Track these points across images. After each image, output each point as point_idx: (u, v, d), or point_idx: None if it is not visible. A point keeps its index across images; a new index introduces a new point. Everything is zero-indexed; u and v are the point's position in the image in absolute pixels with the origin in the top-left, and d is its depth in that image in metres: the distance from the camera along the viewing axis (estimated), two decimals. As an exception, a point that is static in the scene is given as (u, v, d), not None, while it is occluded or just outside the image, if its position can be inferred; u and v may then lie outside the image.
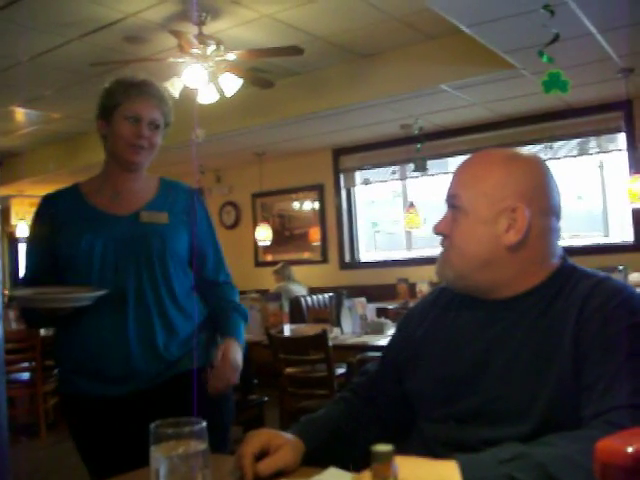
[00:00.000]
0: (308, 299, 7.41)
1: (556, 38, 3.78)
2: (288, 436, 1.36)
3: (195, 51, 4.97)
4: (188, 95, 5.28)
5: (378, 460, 0.84)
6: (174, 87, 5.19)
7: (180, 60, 5.13)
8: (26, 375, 5.81)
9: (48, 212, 2.26)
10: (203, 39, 4.99)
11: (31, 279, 2.22)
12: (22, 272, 2.33)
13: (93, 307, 2.02)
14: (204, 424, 1.03)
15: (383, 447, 0.84)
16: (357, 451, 1.45)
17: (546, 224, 1.36)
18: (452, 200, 1.39)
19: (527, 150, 1.48)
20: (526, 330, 1.30)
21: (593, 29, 4.63)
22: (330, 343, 4.16)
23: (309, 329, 4.91)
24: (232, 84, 5.15)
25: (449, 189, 1.42)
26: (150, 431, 1.01)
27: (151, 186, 2.27)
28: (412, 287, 6.84)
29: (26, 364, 5.75)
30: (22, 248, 12.08)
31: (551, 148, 7.20)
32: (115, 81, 2.24)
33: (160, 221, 2.17)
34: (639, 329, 1.21)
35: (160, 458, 0.99)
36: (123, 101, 2.16)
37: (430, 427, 1.37)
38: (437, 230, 1.42)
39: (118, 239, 2.11)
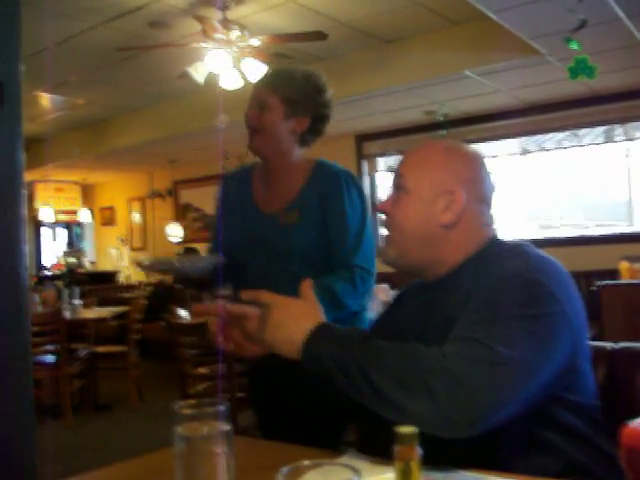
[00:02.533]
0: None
1: (583, 24, 3.74)
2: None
3: (219, 36, 4.97)
4: (212, 81, 5.29)
5: (402, 442, 0.84)
6: (198, 72, 5.19)
7: (204, 45, 5.14)
8: (51, 357, 5.87)
9: (220, 192, 2.36)
10: (227, 24, 4.98)
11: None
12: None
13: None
14: (227, 405, 1.04)
15: (407, 429, 0.85)
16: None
17: (478, 210, 1.46)
18: (398, 180, 1.49)
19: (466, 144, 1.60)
20: (447, 308, 1.37)
21: (621, 14, 4.57)
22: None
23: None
24: (256, 69, 5.15)
25: (396, 169, 1.52)
26: (173, 411, 1.01)
27: (298, 179, 2.22)
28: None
29: (51, 347, 5.81)
30: (45, 232, 12.21)
31: (576, 135, 7.13)
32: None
33: (292, 222, 2.16)
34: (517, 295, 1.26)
35: (183, 439, 1.00)
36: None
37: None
38: (380, 208, 1.52)
39: (255, 237, 2.18)
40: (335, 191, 2.18)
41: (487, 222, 1.48)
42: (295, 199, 2.19)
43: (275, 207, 2.20)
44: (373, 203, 8.64)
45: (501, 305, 1.24)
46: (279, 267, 2.15)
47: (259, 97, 2.18)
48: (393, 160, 8.42)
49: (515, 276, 1.29)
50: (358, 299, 2.20)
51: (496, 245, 1.46)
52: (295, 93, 2.18)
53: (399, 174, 1.50)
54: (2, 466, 1.86)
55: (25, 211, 2.26)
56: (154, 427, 5.46)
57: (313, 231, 2.15)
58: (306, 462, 0.85)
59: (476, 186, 1.47)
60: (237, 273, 2.17)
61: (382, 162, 8.59)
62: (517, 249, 1.39)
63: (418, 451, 0.85)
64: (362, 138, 8.56)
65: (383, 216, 1.51)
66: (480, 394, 1.13)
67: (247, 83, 5.46)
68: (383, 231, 1.53)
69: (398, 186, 1.49)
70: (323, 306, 1.82)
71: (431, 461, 0.95)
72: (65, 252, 12.03)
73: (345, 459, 1.25)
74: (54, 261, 12.04)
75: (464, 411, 1.12)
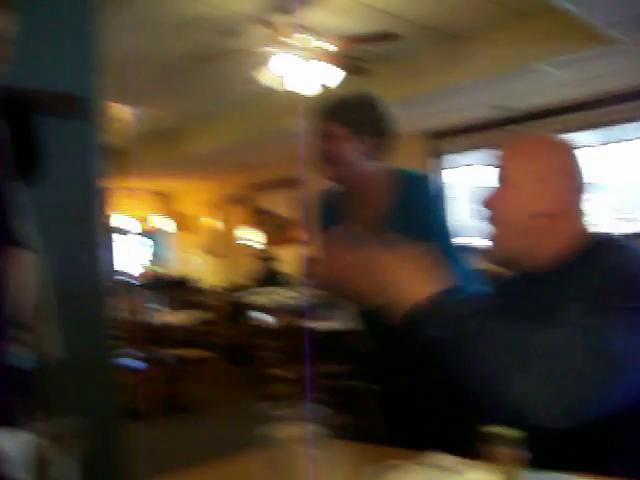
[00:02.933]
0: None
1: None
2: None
3: (289, 41, 5.00)
4: (284, 85, 5.34)
5: (504, 444, 0.83)
6: (269, 77, 5.25)
7: (274, 51, 5.18)
8: (139, 362, 6.02)
9: (320, 209, 2.45)
10: (297, 29, 5.02)
11: None
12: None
13: None
14: (318, 407, 1.04)
15: (510, 432, 0.83)
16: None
17: (576, 200, 1.48)
18: (500, 172, 1.51)
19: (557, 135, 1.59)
20: (556, 297, 1.34)
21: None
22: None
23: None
24: (329, 73, 5.16)
25: (496, 163, 1.54)
26: (263, 413, 1.03)
27: (382, 197, 2.24)
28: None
29: (138, 352, 5.95)
30: (127, 240, 12.51)
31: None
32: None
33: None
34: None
35: (273, 440, 1.01)
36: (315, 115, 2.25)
37: None
38: (484, 204, 1.52)
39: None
40: (426, 202, 2.23)
41: (584, 213, 1.49)
42: (385, 221, 2.19)
43: (362, 226, 2.20)
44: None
45: (610, 297, 1.24)
46: None
47: (323, 129, 2.22)
48: (467, 157, 8.33)
49: (622, 268, 1.30)
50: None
51: (595, 237, 1.45)
52: (353, 115, 2.25)
53: (501, 166, 1.52)
54: (96, 467, 1.92)
55: (108, 220, 2.33)
56: (239, 429, 5.53)
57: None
58: (392, 462, 0.85)
59: (573, 176, 1.48)
60: None
61: (454, 159, 8.49)
62: (618, 241, 1.41)
63: (522, 454, 0.83)
64: (434, 136, 8.49)
65: (484, 211, 1.52)
66: (587, 383, 1.12)
67: (319, 86, 5.50)
68: (484, 227, 1.53)
69: (499, 179, 1.51)
70: None
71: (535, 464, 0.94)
72: (147, 260, 12.31)
73: (431, 458, 1.24)
74: (137, 269, 12.33)
75: (568, 398, 1.11)
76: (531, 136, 1.59)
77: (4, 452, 1.02)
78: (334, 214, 2.34)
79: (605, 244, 1.40)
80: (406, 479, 1.03)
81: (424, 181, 2.30)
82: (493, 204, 1.50)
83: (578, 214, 1.48)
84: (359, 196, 2.27)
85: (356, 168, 2.24)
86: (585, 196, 1.50)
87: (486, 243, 1.52)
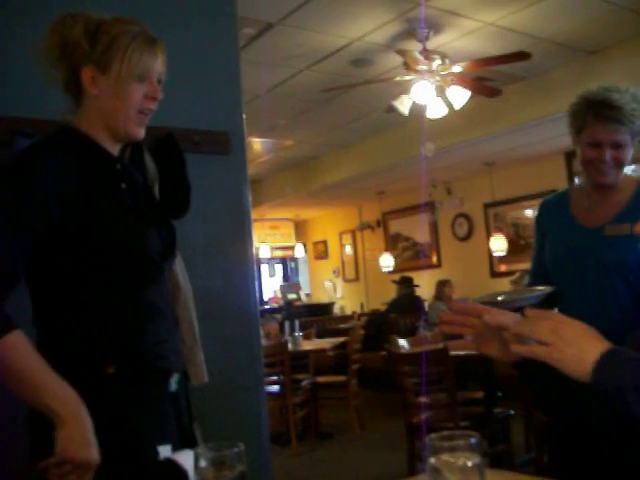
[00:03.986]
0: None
1: None
2: None
3: (421, 67, 5.03)
4: (416, 111, 5.36)
5: None
6: (403, 105, 5.29)
7: (407, 78, 5.23)
8: (276, 388, 6.14)
9: (539, 218, 2.45)
10: (428, 54, 5.05)
11: (533, 275, 2.43)
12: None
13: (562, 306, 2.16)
14: (476, 437, 1.03)
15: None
16: None
17: None
18: None
19: None
20: None
21: None
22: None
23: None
24: (460, 96, 5.16)
25: None
26: (426, 442, 1.03)
27: (625, 194, 2.26)
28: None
29: (276, 377, 6.08)
30: (264, 269, 12.84)
31: None
32: (578, 98, 2.33)
33: (623, 233, 2.16)
34: None
35: (434, 469, 1.01)
36: (584, 127, 2.23)
37: None
38: None
39: (581, 250, 2.20)
40: None
41: None
42: (623, 211, 2.20)
43: (600, 220, 2.22)
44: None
45: None
46: (610, 282, 2.15)
47: (611, 139, 2.18)
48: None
49: None
50: None
51: None
52: (637, 119, 2.19)
53: None
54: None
55: (254, 251, 2.42)
56: (376, 456, 5.53)
57: None
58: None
59: None
60: (564, 298, 2.19)
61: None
62: None
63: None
64: (571, 155, 8.24)
65: None
66: None
67: (450, 111, 5.48)
68: None
69: None
70: None
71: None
72: (282, 286, 12.57)
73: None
74: (272, 295, 12.62)
75: None
76: None
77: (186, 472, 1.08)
78: (552, 217, 2.37)
79: None
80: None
81: None
82: None
83: None
84: (603, 193, 2.26)
85: (621, 173, 2.23)
86: None
87: None
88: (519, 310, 2.09)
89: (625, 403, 1.15)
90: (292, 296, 11.98)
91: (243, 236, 2.36)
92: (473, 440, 1.02)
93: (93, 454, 1.38)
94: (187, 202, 1.81)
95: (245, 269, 2.34)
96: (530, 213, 8.87)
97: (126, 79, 1.55)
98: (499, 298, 2.12)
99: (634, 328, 1.59)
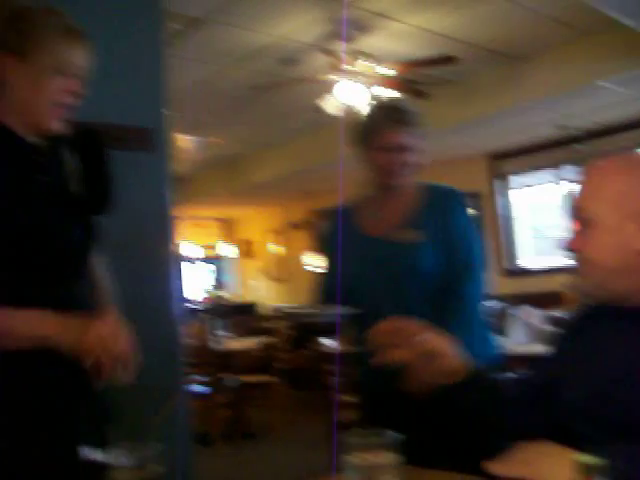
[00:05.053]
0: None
1: None
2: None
3: (348, 68, 5.06)
4: (345, 111, 5.38)
5: (584, 472, 0.83)
6: (329, 105, 5.30)
7: (333, 78, 5.24)
8: (201, 388, 6.09)
9: (323, 232, 2.50)
10: (355, 55, 5.07)
11: (325, 292, 2.41)
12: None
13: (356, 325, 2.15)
14: (395, 436, 1.05)
15: (588, 459, 0.83)
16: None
17: None
18: (578, 213, 1.39)
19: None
20: None
21: None
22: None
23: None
24: (386, 96, 5.20)
25: (574, 202, 1.41)
26: (344, 440, 1.04)
27: (412, 200, 2.31)
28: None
29: (200, 377, 6.03)
30: (189, 269, 12.69)
31: None
32: (369, 110, 2.39)
33: (410, 239, 2.22)
34: None
35: (352, 467, 1.02)
36: (374, 132, 2.27)
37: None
38: (568, 247, 1.41)
39: (371, 260, 2.23)
40: (457, 211, 2.29)
41: None
42: (411, 217, 2.26)
43: (385, 228, 2.27)
44: (509, 223, 8.49)
45: None
46: (405, 288, 2.19)
47: (401, 141, 2.24)
48: (527, 178, 8.24)
49: None
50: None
51: None
52: (422, 128, 2.30)
53: (577, 207, 1.39)
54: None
55: (177, 248, 2.38)
56: (301, 455, 5.53)
57: (435, 249, 2.21)
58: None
59: None
60: (362, 314, 2.15)
61: (516, 180, 8.41)
62: None
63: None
64: (495, 157, 8.43)
65: (571, 254, 1.42)
66: None
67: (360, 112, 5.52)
68: (571, 263, 1.43)
69: (580, 218, 1.39)
70: None
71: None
72: (208, 286, 12.46)
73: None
74: (198, 295, 12.50)
75: None
76: (603, 165, 1.41)
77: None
78: (342, 228, 2.35)
79: None
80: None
81: (458, 194, 2.34)
82: (577, 246, 1.39)
83: None
84: (389, 199, 2.31)
85: (412, 176, 2.30)
86: None
87: (577, 280, 1.42)
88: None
89: None
90: (219, 295, 11.89)
91: (165, 235, 2.32)
92: (389, 438, 1.03)
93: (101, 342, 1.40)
94: (110, 198, 1.77)
95: (166, 268, 2.31)
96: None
97: (44, 71, 1.50)
98: (306, 311, 2.15)
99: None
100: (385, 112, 2.29)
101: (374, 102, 2.44)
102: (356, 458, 1.03)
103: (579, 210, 1.38)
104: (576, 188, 1.43)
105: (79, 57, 1.55)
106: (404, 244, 2.21)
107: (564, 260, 1.46)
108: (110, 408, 1.70)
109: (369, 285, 2.21)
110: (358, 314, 2.11)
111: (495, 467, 1.25)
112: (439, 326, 2.04)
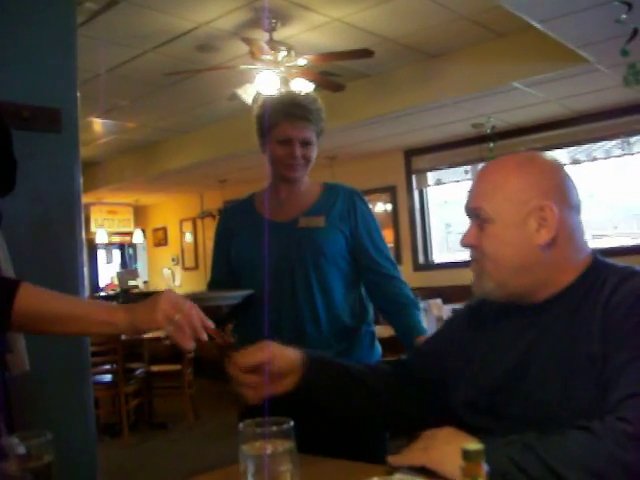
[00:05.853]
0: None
1: (635, 33, 3.70)
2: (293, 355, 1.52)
3: (266, 57, 5.03)
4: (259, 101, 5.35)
5: (469, 459, 0.85)
6: (246, 94, 5.27)
7: (252, 67, 5.21)
8: (108, 377, 5.98)
9: (224, 223, 2.50)
10: (274, 45, 5.05)
11: (213, 282, 2.46)
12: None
13: (257, 306, 2.20)
14: (291, 424, 1.05)
15: (474, 446, 0.85)
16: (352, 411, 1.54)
17: (573, 220, 1.37)
18: (475, 212, 1.40)
19: (540, 153, 1.47)
20: (559, 332, 1.31)
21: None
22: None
23: (383, 330, 4.91)
24: (304, 89, 5.20)
25: (469, 202, 1.43)
26: (238, 430, 1.03)
27: (313, 192, 2.40)
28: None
29: (108, 366, 5.91)
30: (101, 254, 12.43)
31: (627, 144, 7.00)
32: (264, 103, 2.42)
33: (316, 225, 2.29)
34: None
35: (248, 457, 1.02)
36: (274, 125, 2.31)
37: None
38: (464, 243, 1.43)
39: (277, 245, 2.24)
40: (358, 203, 2.38)
41: (582, 232, 1.40)
42: (315, 205, 2.35)
43: (292, 214, 2.33)
44: (424, 218, 8.63)
45: (624, 325, 1.20)
46: (305, 273, 2.25)
47: (301, 135, 2.30)
48: (442, 174, 8.39)
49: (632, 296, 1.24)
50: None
51: (599, 261, 1.39)
52: (321, 121, 2.38)
53: (473, 207, 1.41)
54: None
55: (83, 234, 2.32)
56: (210, 445, 5.51)
57: (342, 233, 2.30)
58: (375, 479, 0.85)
59: (563, 195, 1.37)
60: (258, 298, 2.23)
61: (431, 176, 8.56)
62: (628, 268, 1.33)
63: (485, 468, 0.85)
64: (411, 153, 8.55)
65: (471, 250, 1.44)
66: None
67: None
68: (470, 263, 1.45)
69: (478, 217, 1.40)
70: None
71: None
72: (119, 273, 12.23)
73: (399, 476, 1.25)
74: (108, 282, 12.26)
75: None
76: (500, 164, 1.44)
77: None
78: (239, 221, 2.43)
79: (615, 271, 1.34)
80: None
81: (355, 191, 2.45)
82: (476, 242, 1.41)
83: (578, 235, 1.39)
84: (291, 193, 2.38)
85: (308, 169, 2.39)
86: (580, 213, 1.41)
87: (477, 280, 1.44)
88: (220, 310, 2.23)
89: None
90: (130, 283, 11.68)
91: (72, 219, 2.25)
92: (286, 426, 1.03)
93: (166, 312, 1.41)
94: (12, 180, 1.71)
95: (73, 253, 2.25)
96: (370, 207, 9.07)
97: None
98: (205, 296, 2.20)
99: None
100: (283, 105, 2.32)
101: (274, 94, 2.45)
102: (251, 447, 1.02)
103: (476, 210, 1.40)
104: (468, 189, 1.46)
105: None
106: (309, 228, 2.28)
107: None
108: (9, 396, 1.65)
109: (271, 268, 2.22)
110: (258, 297, 2.19)
111: (394, 459, 1.28)
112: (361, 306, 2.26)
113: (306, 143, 2.30)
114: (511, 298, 1.40)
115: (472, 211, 1.41)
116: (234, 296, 2.19)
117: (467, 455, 0.85)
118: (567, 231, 1.35)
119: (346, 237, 2.30)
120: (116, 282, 11.82)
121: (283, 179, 2.35)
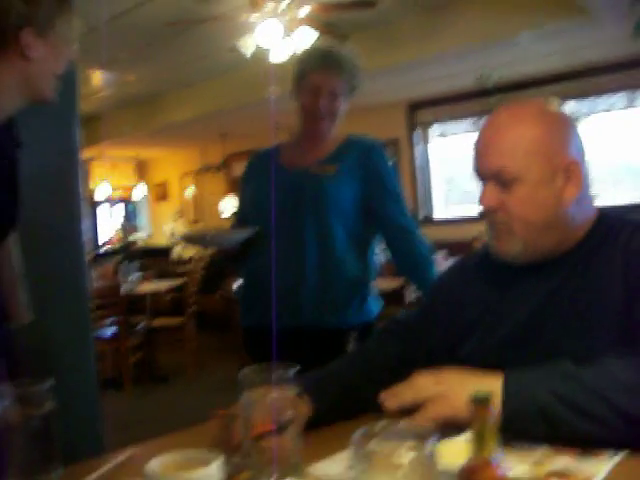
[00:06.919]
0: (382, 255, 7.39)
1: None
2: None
3: (267, 8, 4.95)
4: (262, 53, 5.28)
5: (477, 403, 0.85)
6: (247, 45, 5.19)
7: (254, 18, 5.12)
8: (110, 331, 6.01)
9: (246, 170, 2.57)
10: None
11: (237, 221, 2.53)
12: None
13: (264, 250, 2.26)
14: (295, 369, 1.03)
15: (482, 393, 0.85)
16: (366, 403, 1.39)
17: (587, 173, 1.34)
18: (495, 173, 1.32)
19: (548, 105, 1.39)
20: (577, 284, 1.29)
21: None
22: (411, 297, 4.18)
23: (388, 283, 4.92)
24: (306, 38, 5.11)
25: (487, 165, 1.34)
26: (239, 378, 1.02)
27: (333, 143, 2.40)
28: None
29: (110, 320, 5.94)
30: (101, 210, 12.41)
31: (631, 98, 6.91)
32: (302, 52, 2.50)
33: (326, 172, 2.31)
34: None
35: (250, 403, 1.01)
36: (305, 74, 2.33)
37: None
38: (486, 205, 1.34)
39: (287, 189, 2.28)
40: (374, 157, 2.38)
41: (592, 186, 1.36)
42: (331, 154, 2.36)
43: (307, 162, 2.36)
44: (426, 172, 8.58)
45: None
46: (314, 219, 2.29)
47: (330, 86, 2.31)
48: (445, 127, 8.32)
49: None
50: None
51: (607, 213, 1.38)
52: (355, 77, 2.38)
53: (495, 167, 1.32)
54: (70, 436, 1.92)
55: (83, 188, 2.30)
56: (212, 398, 5.54)
57: (352, 184, 2.31)
58: (379, 423, 0.84)
59: (580, 147, 1.34)
60: (269, 240, 2.27)
61: (434, 130, 8.49)
62: (633, 218, 1.34)
63: (492, 412, 0.85)
64: (414, 106, 8.46)
65: (491, 214, 1.35)
66: None
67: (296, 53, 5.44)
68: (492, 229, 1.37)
69: (499, 178, 1.32)
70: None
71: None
72: (120, 228, 12.22)
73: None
74: (113, 237, 12.24)
75: None
76: (518, 117, 1.34)
77: None
78: (261, 166, 2.48)
79: (620, 222, 1.33)
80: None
81: (377, 143, 2.47)
82: (499, 205, 1.33)
83: (591, 190, 1.36)
84: (312, 141, 2.41)
85: (334, 124, 2.37)
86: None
87: (503, 243, 1.36)
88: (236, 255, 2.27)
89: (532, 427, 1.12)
90: (131, 238, 11.69)
91: (72, 174, 2.24)
92: (290, 372, 1.02)
93: None
94: (13, 218, 1.69)
95: (72, 206, 2.23)
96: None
97: (60, 43, 1.50)
98: (207, 235, 2.25)
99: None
100: (316, 55, 2.37)
101: (305, 46, 2.51)
102: (253, 393, 1.01)
103: (499, 172, 1.31)
104: (482, 148, 1.36)
105: (77, 26, 1.55)
106: (321, 174, 2.30)
107: (474, 211, 1.41)
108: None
109: (280, 211, 2.25)
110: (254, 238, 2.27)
111: (390, 403, 1.24)
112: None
113: (333, 94, 2.30)
114: (535, 258, 1.36)
115: (491, 172, 1.33)
116: (238, 235, 2.28)
117: (476, 401, 0.85)
118: (585, 185, 1.33)
119: (355, 189, 2.31)
120: (118, 237, 11.82)
121: (306, 129, 2.38)
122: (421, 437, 0.78)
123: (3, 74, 1.47)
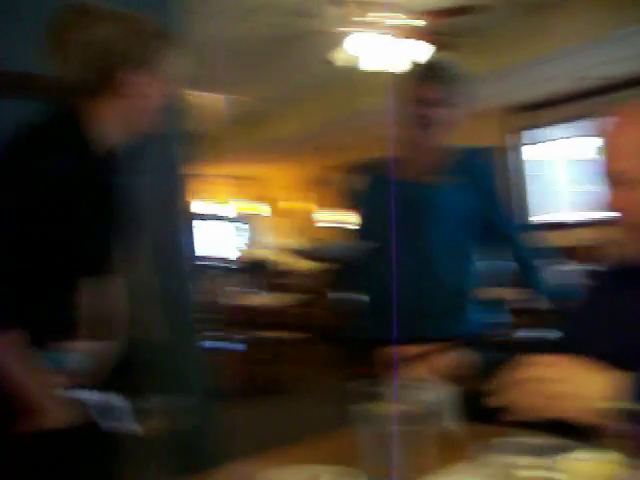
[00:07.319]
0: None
1: None
2: None
3: (367, 20, 4.97)
4: (362, 64, 5.30)
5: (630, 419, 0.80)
6: (344, 57, 5.21)
7: (351, 30, 5.14)
8: (236, 344, 6.13)
9: (365, 184, 2.59)
10: (375, 6, 4.97)
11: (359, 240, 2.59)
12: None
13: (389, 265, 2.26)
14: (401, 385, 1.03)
15: (625, 404, 0.81)
16: None
17: None
18: (622, 174, 1.28)
19: None
20: None
21: None
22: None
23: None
24: (422, 50, 5.09)
25: (615, 167, 1.30)
26: (350, 392, 1.03)
27: (441, 153, 2.41)
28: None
29: (235, 334, 6.06)
30: (219, 226, 12.66)
31: None
32: (409, 64, 2.58)
33: (437, 181, 2.35)
34: None
35: (363, 418, 1.00)
36: (410, 86, 2.35)
37: None
38: (615, 207, 1.31)
39: (401, 203, 2.28)
40: (482, 168, 2.43)
41: None
42: (445, 165, 2.38)
43: (423, 174, 2.37)
44: (523, 177, 8.32)
45: None
46: (440, 231, 2.32)
47: (434, 96, 2.30)
48: (542, 133, 8.07)
49: None
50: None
51: None
52: (460, 86, 2.38)
53: (619, 171, 1.29)
54: (192, 447, 1.99)
55: (192, 206, 2.38)
56: (334, 409, 5.57)
57: (467, 195, 2.33)
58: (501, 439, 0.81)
59: None
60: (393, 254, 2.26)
61: (530, 135, 8.25)
62: None
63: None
64: (520, 109, 8.20)
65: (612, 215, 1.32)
66: None
67: (408, 63, 5.41)
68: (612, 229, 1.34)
69: (626, 179, 1.28)
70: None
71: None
72: (242, 244, 12.42)
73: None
74: (233, 253, 12.45)
75: None
76: (634, 113, 1.32)
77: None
78: (372, 181, 2.51)
79: None
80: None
81: (490, 151, 2.56)
82: (629, 205, 1.29)
83: None
84: (425, 154, 2.40)
85: (441, 133, 2.36)
86: None
87: (619, 240, 1.34)
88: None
89: None
90: (253, 253, 11.85)
91: (181, 192, 2.33)
92: (396, 388, 1.01)
93: None
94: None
95: (183, 226, 2.32)
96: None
97: (164, 80, 1.58)
98: (331, 250, 2.25)
99: None
100: (424, 67, 2.42)
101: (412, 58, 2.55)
102: (366, 408, 1.02)
103: (622, 174, 1.28)
104: (606, 149, 1.34)
105: (181, 59, 1.63)
106: (431, 185, 2.33)
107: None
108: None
109: (407, 228, 2.28)
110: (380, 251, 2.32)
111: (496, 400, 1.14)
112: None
113: (436, 104, 2.30)
114: None
115: (618, 173, 1.30)
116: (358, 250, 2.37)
117: (616, 412, 0.80)
118: None
119: (460, 201, 2.33)
120: (240, 254, 12.02)
121: (418, 140, 2.38)
122: (542, 452, 0.75)
123: (106, 110, 1.55)
